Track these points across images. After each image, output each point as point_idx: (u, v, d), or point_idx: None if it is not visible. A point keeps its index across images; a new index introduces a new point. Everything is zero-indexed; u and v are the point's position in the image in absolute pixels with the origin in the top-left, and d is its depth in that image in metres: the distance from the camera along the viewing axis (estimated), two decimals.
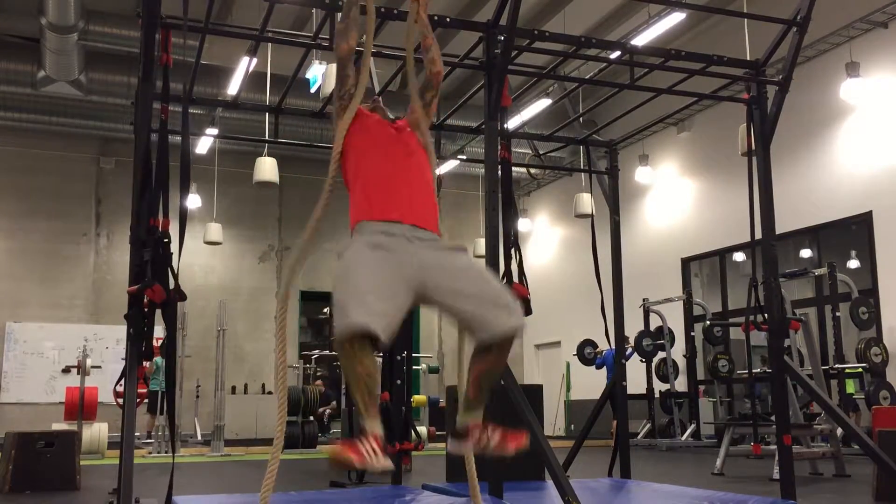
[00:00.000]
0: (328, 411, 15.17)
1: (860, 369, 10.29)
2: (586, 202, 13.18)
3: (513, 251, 4.57)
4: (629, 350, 12.80)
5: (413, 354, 12.16)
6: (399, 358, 6.02)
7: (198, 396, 13.80)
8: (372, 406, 2.66)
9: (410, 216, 2.89)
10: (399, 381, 5.96)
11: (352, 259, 2.78)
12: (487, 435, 2.82)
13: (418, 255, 2.81)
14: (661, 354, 13.33)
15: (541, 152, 8.11)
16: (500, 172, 4.78)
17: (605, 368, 12.27)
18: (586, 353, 13.45)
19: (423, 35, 3.35)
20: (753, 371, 7.31)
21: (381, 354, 6.60)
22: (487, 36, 4.77)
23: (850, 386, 10.11)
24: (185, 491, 5.88)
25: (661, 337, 13.20)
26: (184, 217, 3.94)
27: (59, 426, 9.41)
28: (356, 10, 3.21)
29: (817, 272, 10.53)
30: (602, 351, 12.51)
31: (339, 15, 3.36)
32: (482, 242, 8.86)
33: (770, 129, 5.24)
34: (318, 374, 15.68)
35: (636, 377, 12.93)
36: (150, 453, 10.61)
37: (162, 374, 9.33)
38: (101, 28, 11.52)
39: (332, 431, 14.73)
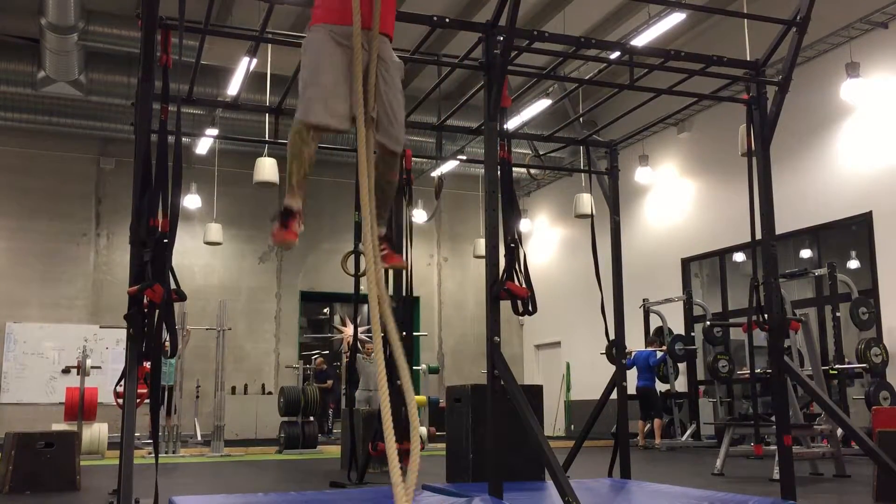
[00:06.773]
0: (330, 410, 15.16)
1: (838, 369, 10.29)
2: (586, 202, 13.18)
3: (516, 251, 4.56)
4: (660, 354, 12.80)
5: (414, 334, 12.17)
6: None
7: (198, 397, 13.80)
8: (302, 184, 3.24)
9: (368, 20, 3.10)
10: (399, 382, 5.93)
11: (320, 52, 3.17)
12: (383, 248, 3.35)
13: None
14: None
15: (541, 152, 8.10)
16: (500, 173, 4.77)
17: (635, 369, 12.15)
18: (615, 353, 13.29)
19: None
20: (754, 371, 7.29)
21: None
22: (487, 36, 4.77)
23: None
24: (186, 491, 5.89)
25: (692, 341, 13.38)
26: (175, 215, 3.93)
27: (59, 426, 9.41)
28: None
29: (817, 272, 10.53)
30: (632, 352, 12.42)
31: None
32: (482, 242, 8.88)
33: (770, 129, 5.24)
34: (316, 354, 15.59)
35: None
36: (150, 453, 10.60)
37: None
38: (101, 28, 11.52)
39: (333, 432, 14.75)
